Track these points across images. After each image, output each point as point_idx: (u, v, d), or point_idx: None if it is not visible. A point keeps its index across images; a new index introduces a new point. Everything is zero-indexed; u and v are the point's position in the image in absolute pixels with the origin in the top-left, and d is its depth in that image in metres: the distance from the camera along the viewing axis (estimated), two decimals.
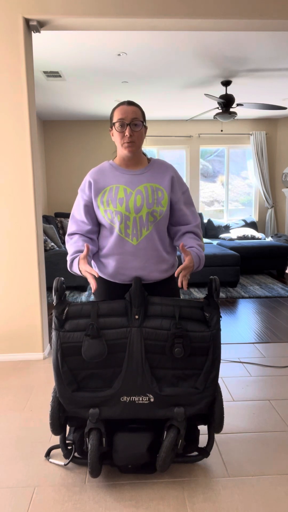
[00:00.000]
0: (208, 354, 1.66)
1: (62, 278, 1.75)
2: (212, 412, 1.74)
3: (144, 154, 1.89)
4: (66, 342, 1.64)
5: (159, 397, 1.65)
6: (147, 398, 1.65)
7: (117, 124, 1.72)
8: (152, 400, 1.65)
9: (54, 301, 1.71)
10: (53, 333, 1.67)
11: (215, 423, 1.73)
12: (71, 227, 1.84)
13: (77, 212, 1.83)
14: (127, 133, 1.71)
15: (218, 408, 1.72)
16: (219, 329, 1.68)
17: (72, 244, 1.78)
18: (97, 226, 1.84)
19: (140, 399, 1.65)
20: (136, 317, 1.65)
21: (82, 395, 1.66)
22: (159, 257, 1.78)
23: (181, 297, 4.69)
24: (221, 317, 1.71)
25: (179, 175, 1.86)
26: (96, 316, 1.66)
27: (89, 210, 1.81)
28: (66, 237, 1.84)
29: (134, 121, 1.72)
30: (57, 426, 1.73)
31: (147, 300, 1.70)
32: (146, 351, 1.64)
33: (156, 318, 1.66)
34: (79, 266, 1.68)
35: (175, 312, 1.66)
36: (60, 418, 1.73)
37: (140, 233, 1.74)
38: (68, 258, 1.77)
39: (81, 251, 1.74)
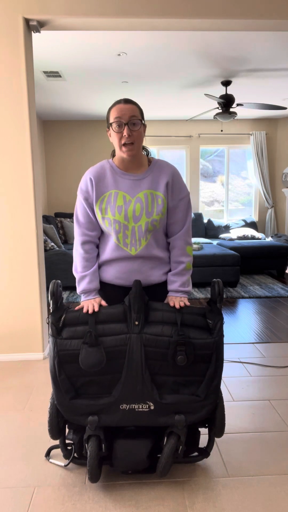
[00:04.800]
0: (210, 361, 1.62)
1: (59, 281, 1.69)
2: (213, 418, 1.72)
3: (145, 152, 1.79)
4: (63, 349, 1.59)
5: (159, 405, 1.60)
6: (147, 405, 1.61)
7: (114, 124, 1.62)
8: (152, 408, 1.61)
9: (51, 306, 1.65)
10: (50, 340, 1.62)
11: (216, 428, 1.71)
12: (77, 232, 1.76)
13: (81, 214, 1.74)
14: (125, 133, 1.61)
15: (219, 414, 1.69)
16: (222, 336, 1.63)
17: (82, 261, 1.75)
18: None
19: (140, 406, 1.61)
20: (136, 323, 1.59)
21: (80, 402, 1.62)
22: (158, 261, 1.75)
23: None
24: (224, 322, 1.68)
25: (179, 178, 1.74)
26: (94, 323, 1.61)
27: (92, 208, 1.73)
28: (76, 245, 1.76)
29: (132, 120, 1.61)
30: (56, 432, 1.71)
31: (147, 305, 1.65)
32: (147, 357, 1.59)
33: (157, 324, 1.62)
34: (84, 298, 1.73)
35: (177, 319, 1.62)
36: (59, 423, 1.71)
37: (139, 243, 1.69)
38: (78, 275, 1.75)
39: (94, 274, 1.75)
